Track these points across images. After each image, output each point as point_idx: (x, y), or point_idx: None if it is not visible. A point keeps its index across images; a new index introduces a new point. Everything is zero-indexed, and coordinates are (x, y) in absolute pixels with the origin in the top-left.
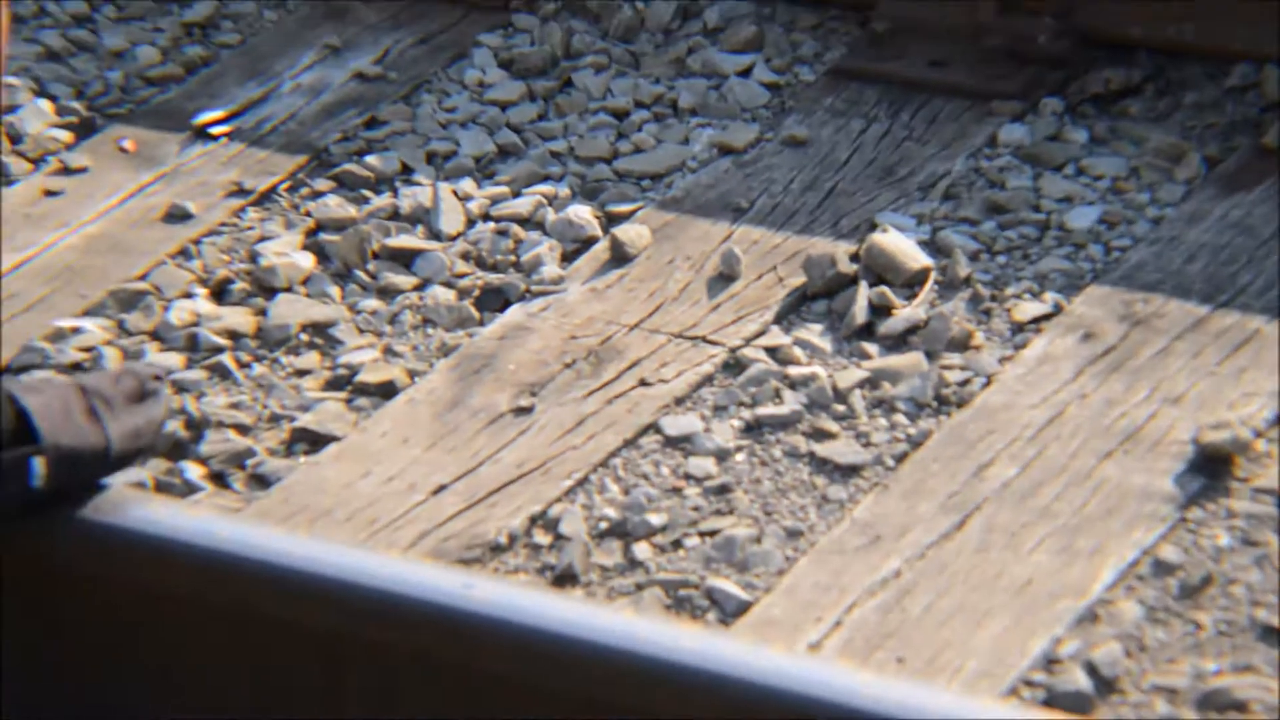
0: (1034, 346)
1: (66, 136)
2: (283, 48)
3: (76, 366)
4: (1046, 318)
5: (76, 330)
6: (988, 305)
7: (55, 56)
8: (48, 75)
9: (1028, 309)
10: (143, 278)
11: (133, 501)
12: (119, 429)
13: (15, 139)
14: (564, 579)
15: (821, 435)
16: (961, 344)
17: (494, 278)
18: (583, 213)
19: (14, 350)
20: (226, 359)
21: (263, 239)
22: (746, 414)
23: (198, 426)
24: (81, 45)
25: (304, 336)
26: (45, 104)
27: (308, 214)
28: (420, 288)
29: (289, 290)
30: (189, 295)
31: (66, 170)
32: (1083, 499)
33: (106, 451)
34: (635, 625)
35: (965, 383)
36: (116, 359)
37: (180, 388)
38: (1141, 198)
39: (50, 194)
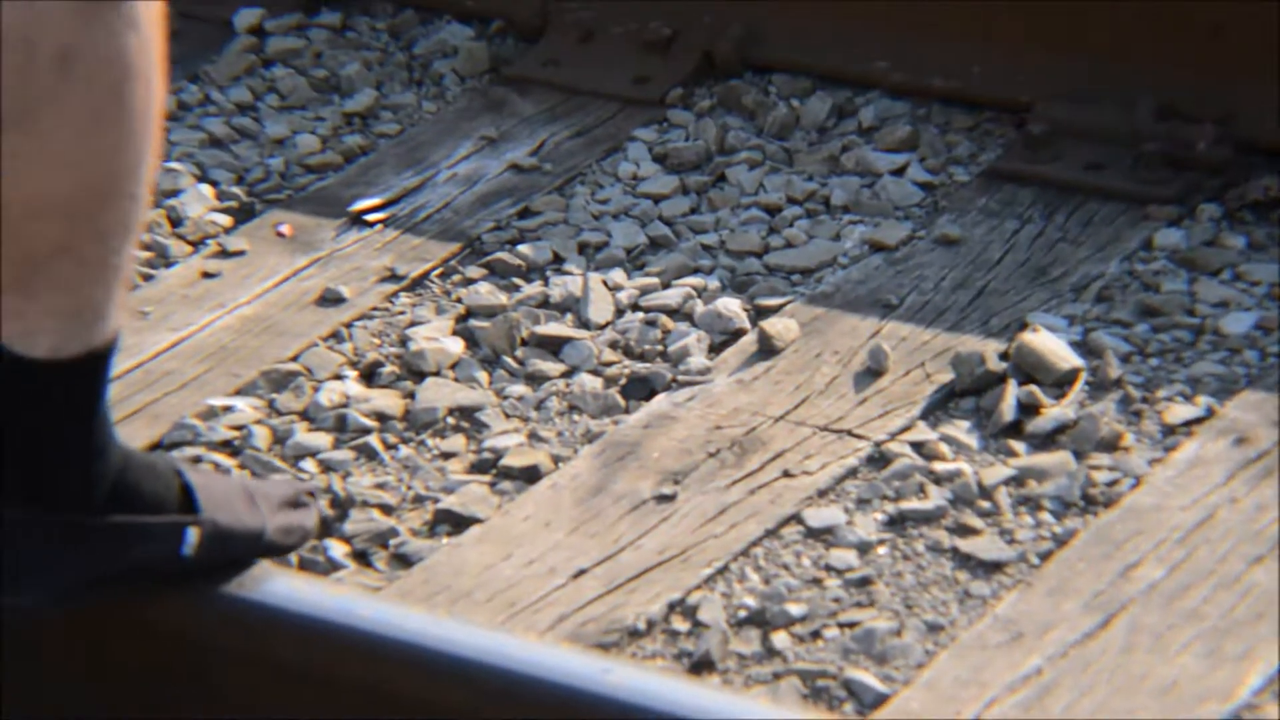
0: (1185, 449)
1: (226, 220)
2: (440, 138)
3: (226, 444)
4: (1198, 421)
5: (228, 409)
6: (1138, 407)
7: (218, 143)
8: (210, 161)
9: (1179, 412)
10: (295, 359)
11: (276, 577)
12: (274, 521)
13: (176, 222)
14: (701, 666)
15: (965, 531)
16: (1110, 444)
17: (641, 367)
18: (732, 305)
19: (166, 427)
20: (374, 440)
21: (413, 324)
22: (890, 508)
23: (343, 505)
24: (244, 132)
25: (451, 420)
26: (207, 189)
27: (458, 300)
28: (567, 375)
29: (437, 374)
30: (339, 377)
31: (225, 253)
32: (1231, 603)
33: (259, 536)
34: (772, 714)
35: (1113, 483)
36: (266, 438)
37: (327, 467)
38: None
39: (208, 276)
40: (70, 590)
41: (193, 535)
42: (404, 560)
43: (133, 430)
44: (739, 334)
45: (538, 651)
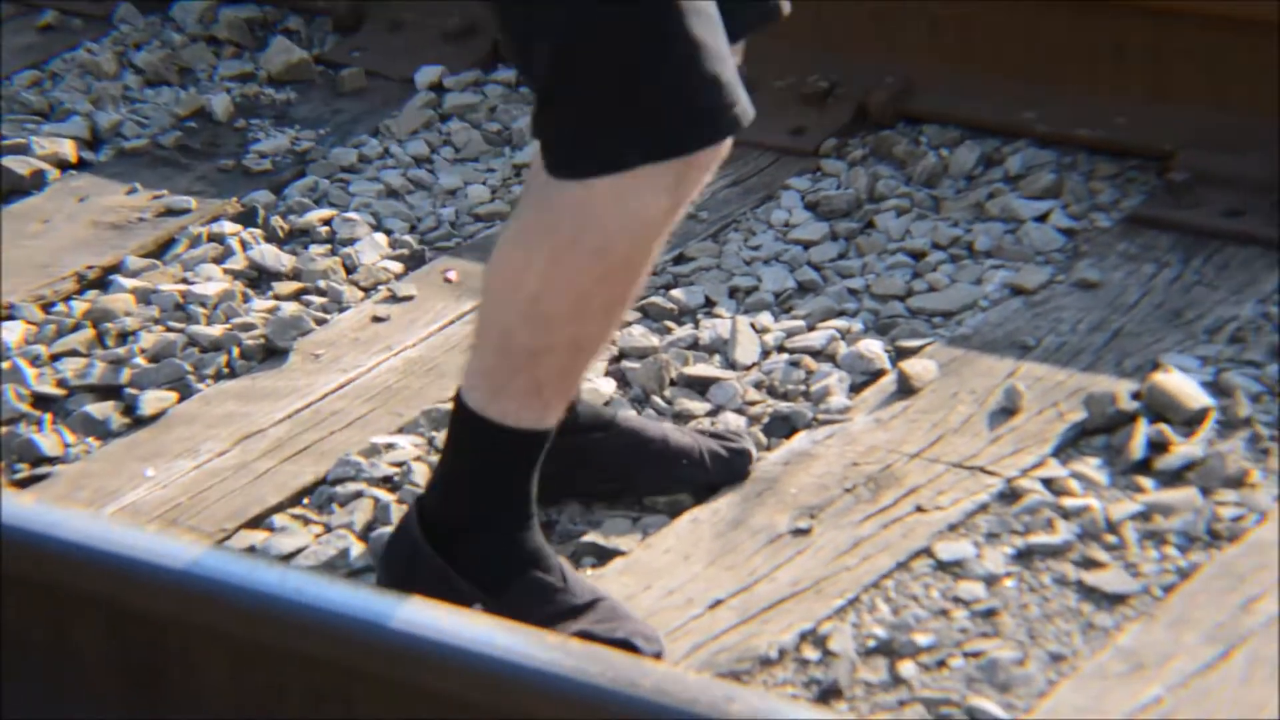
0: None
1: (397, 267)
2: None
3: (386, 480)
4: None
5: (390, 446)
6: (1267, 445)
7: (394, 194)
8: (386, 211)
9: None
10: None
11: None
12: None
13: (350, 269)
14: (829, 694)
15: (1091, 564)
16: (1237, 481)
17: (784, 406)
18: (874, 347)
19: (331, 463)
20: None
21: None
22: (1019, 541)
23: None
24: (419, 184)
25: None
26: (381, 237)
27: (612, 342)
28: (713, 413)
29: None
30: None
31: (394, 298)
32: None
33: None
34: None
35: (1239, 518)
36: (425, 474)
37: None
38: None
39: (377, 320)
40: None
41: None
42: None
43: (299, 467)
44: (880, 374)
45: (662, 678)
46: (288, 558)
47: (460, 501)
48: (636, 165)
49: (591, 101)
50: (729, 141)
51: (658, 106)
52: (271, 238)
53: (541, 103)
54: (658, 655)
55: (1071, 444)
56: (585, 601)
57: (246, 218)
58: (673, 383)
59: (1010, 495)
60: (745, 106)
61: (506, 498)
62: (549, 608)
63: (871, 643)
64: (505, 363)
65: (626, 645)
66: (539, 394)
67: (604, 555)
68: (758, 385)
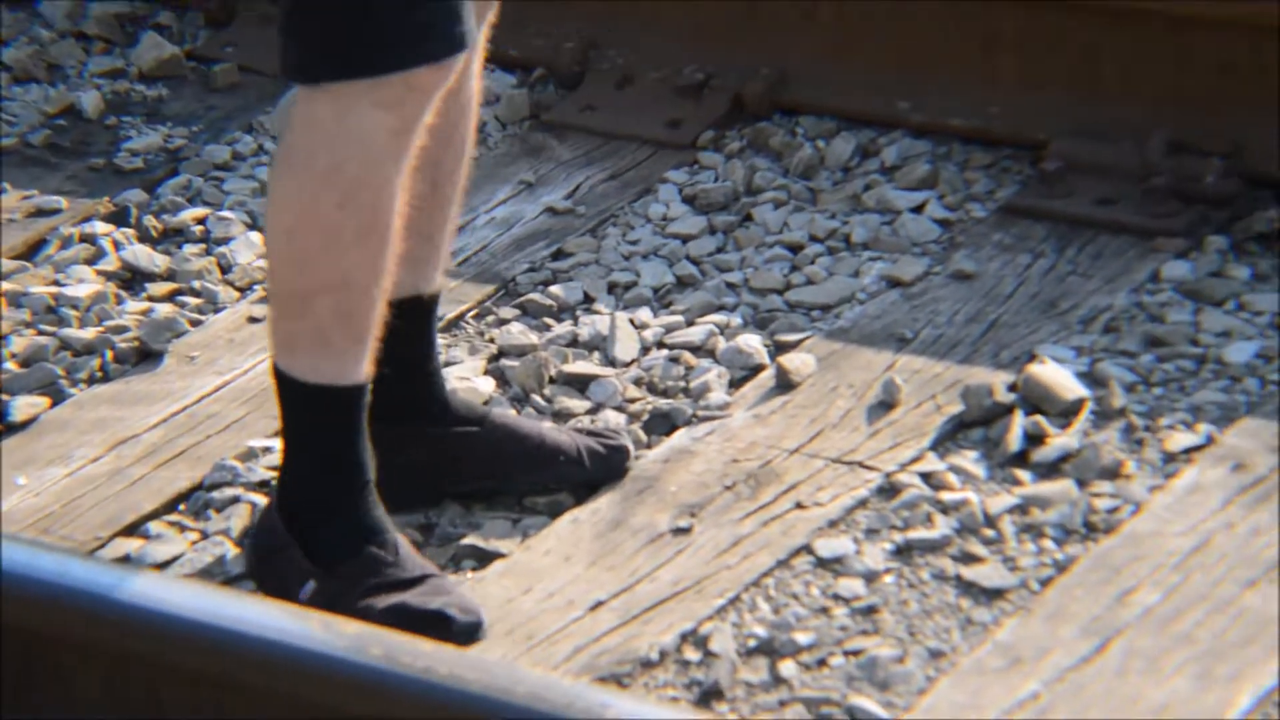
0: (1184, 476)
1: None
2: (480, 184)
3: (263, 485)
4: (1198, 449)
5: (267, 450)
6: (1141, 435)
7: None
8: (261, 209)
9: (1180, 439)
10: None
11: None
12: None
13: (226, 269)
14: (710, 695)
15: (969, 559)
16: (1113, 473)
17: (664, 403)
18: (753, 341)
19: (207, 468)
20: None
21: (448, 364)
22: (898, 537)
23: None
24: None
25: None
26: (256, 236)
27: (491, 341)
28: (593, 411)
29: None
30: None
31: None
32: (1223, 626)
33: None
34: None
35: (1114, 510)
36: None
37: None
38: None
39: (254, 320)
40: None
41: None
42: None
43: (174, 472)
44: (759, 369)
45: (538, 684)
46: (163, 565)
47: (292, 473)
48: (353, 77)
49: (316, 10)
50: (453, 66)
51: (379, 21)
52: (145, 238)
53: (282, 9)
54: (474, 626)
55: (949, 437)
56: (413, 576)
57: (119, 217)
58: (552, 380)
59: (889, 490)
60: (469, 30)
61: (332, 463)
62: (375, 580)
63: (752, 642)
64: (284, 311)
65: (440, 616)
66: (328, 343)
67: (484, 558)
68: (637, 382)
